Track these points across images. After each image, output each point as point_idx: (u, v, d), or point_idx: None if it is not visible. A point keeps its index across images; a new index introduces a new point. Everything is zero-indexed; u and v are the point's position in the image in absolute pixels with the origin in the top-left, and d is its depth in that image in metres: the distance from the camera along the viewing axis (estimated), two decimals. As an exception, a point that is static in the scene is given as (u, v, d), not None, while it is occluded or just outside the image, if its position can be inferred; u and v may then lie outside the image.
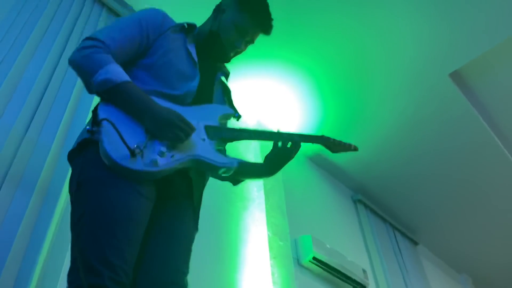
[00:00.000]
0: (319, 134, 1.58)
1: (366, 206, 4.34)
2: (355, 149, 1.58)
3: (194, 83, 1.35)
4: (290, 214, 3.17)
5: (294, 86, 3.37)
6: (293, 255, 2.98)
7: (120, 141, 1.10)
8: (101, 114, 1.15)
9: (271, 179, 3.18)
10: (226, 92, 1.55)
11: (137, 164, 1.11)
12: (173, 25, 1.44)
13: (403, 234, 4.69)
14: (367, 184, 4.32)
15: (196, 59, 1.41)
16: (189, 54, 1.40)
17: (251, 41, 1.53)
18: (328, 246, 3.22)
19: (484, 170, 4.12)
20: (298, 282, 2.81)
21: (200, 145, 1.26)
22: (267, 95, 3.45)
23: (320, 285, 3.15)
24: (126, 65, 1.32)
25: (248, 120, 3.52)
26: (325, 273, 3.18)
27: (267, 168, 1.45)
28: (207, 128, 1.31)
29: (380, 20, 2.94)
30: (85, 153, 1.17)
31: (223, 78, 1.56)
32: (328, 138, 1.54)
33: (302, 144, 1.43)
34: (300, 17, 2.93)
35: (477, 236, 4.98)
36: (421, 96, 3.45)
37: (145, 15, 1.40)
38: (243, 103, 3.50)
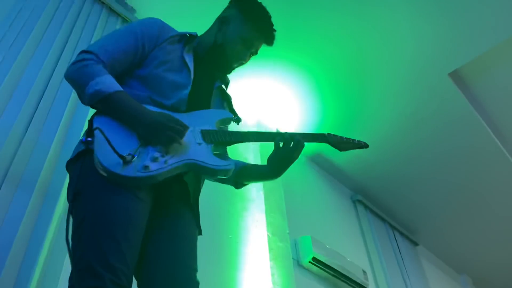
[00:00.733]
0: (319, 133, 1.56)
1: (365, 206, 4.34)
2: (366, 145, 1.57)
3: (186, 91, 1.35)
4: (290, 214, 3.17)
5: (294, 86, 3.37)
6: (292, 255, 2.98)
7: (111, 149, 1.10)
8: (94, 124, 1.17)
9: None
10: (226, 98, 1.55)
11: (129, 171, 1.10)
12: (172, 35, 1.44)
13: (403, 234, 4.69)
14: (367, 185, 4.32)
15: (192, 68, 1.41)
16: (184, 63, 1.40)
17: (255, 53, 1.54)
18: (327, 246, 3.22)
19: (483, 170, 4.13)
20: (298, 283, 2.80)
21: (195, 149, 1.24)
22: (267, 94, 3.45)
23: (320, 286, 3.15)
24: (122, 76, 1.33)
25: (248, 119, 3.53)
26: (325, 274, 3.17)
27: (271, 170, 1.42)
28: (203, 132, 1.30)
29: (380, 20, 2.94)
30: (82, 162, 1.18)
31: (222, 86, 1.56)
32: (334, 136, 1.53)
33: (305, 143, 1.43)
34: (300, 16, 2.93)
35: (477, 236, 4.98)
36: (421, 96, 3.45)
37: (142, 26, 1.40)
38: (243, 103, 3.50)
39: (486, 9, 2.85)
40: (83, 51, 1.27)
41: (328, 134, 1.53)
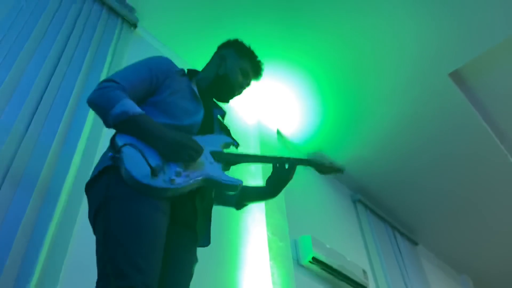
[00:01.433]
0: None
1: (365, 206, 4.34)
2: (341, 170, 1.74)
3: (199, 117, 1.50)
4: (290, 214, 3.16)
5: (294, 86, 3.37)
6: (292, 255, 2.98)
7: (140, 162, 1.23)
8: (120, 142, 1.27)
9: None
10: (224, 128, 1.71)
11: (158, 182, 1.23)
12: (177, 69, 1.60)
13: (403, 234, 4.69)
14: (367, 184, 4.32)
15: (199, 97, 1.57)
16: (193, 93, 1.56)
17: (248, 84, 1.76)
18: (327, 246, 3.22)
19: (483, 170, 4.13)
20: (297, 283, 2.80)
21: (209, 167, 1.40)
22: (267, 95, 3.45)
23: (319, 286, 3.15)
24: (138, 103, 1.44)
25: (248, 120, 3.53)
26: (325, 274, 3.17)
27: (269, 189, 1.60)
28: (212, 153, 1.45)
29: (380, 20, 2.94)
30: (107, 177, 1.27)
31: (219, 117, 1.71)
32: (317, 162, 1.69)
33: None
34: (300, 16, 2.93)
35: (477, 236, 4.97)
36: (421, 96, 3.45)
37: (153, 60, 1.57)
38: (243, 103, 3.50)
39: (486, 9, 2.85)
40: (104, 80, 1.40)
41: (312, 160, 1.70)
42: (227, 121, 1.78)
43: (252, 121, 3.55)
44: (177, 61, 3.05)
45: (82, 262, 1.80)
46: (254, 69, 1.75)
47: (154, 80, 1.49)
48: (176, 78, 1.55)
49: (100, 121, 2.26)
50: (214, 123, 1.65)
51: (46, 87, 2.04)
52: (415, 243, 4.84)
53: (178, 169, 1.29)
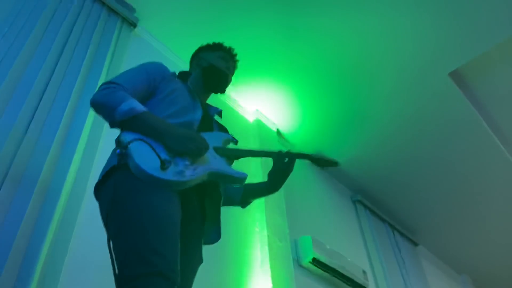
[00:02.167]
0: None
1: (365, 206, 4.34)
2: (336, 163, 1.78)
3: (198, 114, 1.55)
4: (290, 214, 3.16)
5: (294, 86, 3.37)
6: (292, 256, 2.98)
7: (148, 156, 1.25)
8: (128, 138, 1.29)
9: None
10: (222, 127, 1.75)
11: (168, 174, 1.24)
12: (171, 72, 1.66)
13: (403, 234, 4.69)
14: (367, 185, 4.32)
15: (195, 94, 1.63)
16: (189, 91, 1.62)
17: (234, 67, 1.81)
18: (328, 247, 3.21)
19: (483, 170, 4.12)
20: (297, 283, 2.80)
21: (214, 161, 1.44)
22: (267, 95, 3.45)
23: (320, 286, 3.15)
24: None
25: (248, 119, 3.53)
26: (325, 274, 3.17)
27: (271, 183, 1.64)
28: (215, 149, 1.49)
29: (380, 20, 2.94)
30: (114, 177, 1.28)
31: (216, 118, 1.76)
32: (314, 156, 1.73)
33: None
34: (300, 16, 2.93)
35: (477, 236, 4.97)
36: (420, 96, 3.45)
37: (149, 65, 1.63)
38: (243, 103, 3.50)
39: (486, 9, 2.85)
40: (105, 83, 1.44)
41: (310, 154, 1.74)
42: (225, 119, 1.81)
43: (252, 120, 3.55)
44: (177, 61, 3.07)
45: (82, 262, 1.80)
46: (229, 54, 1.79)
47: (152, 83, 1.54)
48: (171, 80, 1.61)
49: (100, 121, 2.27)
50: (213, 123, 1.69)
51: (46, 87, 2.04)
52: (415, 243, 4.84)
53: (186, 162, 1.31)
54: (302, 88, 3.38)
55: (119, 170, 1.28)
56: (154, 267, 1.06)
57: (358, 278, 3.32)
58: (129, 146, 1.26)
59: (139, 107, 1.37)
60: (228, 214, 2.75)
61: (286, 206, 3.17)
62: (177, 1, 2.90)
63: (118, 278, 1.10)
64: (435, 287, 4.64)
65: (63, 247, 1.73)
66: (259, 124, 3.53)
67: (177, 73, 1.73)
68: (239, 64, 1.83)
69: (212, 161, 1.42)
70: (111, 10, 2.72)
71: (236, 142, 1.63)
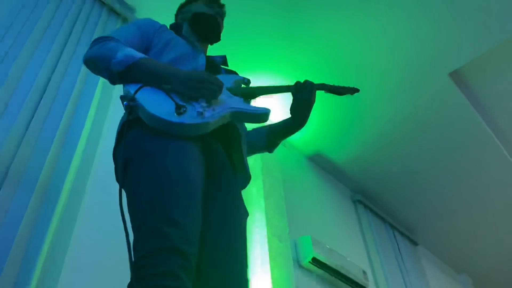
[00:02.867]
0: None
1: (365, 206, 4.34)
2: (357, 90, 1.71)
3: (201, 59, 1.45)
4: (290, 214, 3.16)
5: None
6: (292, 256, 2.98)
7: (160, 101, 1.15)
8: (132, 89, 1.18)
9: (271, 179, 3.18)
10: (230, 72, 1.65)
11: (185, 118, 1.14)
12: (161, 25, 1.57)
13: (403, 234, 4.69)
14: (367, 185, 4.32)
15: (194, 41, 1.54)
16: (186, 39, 1.53)
17: (223, 12, 1.70)
18: (327, 246, 3.21)
19: (483, 170, 4.13)
20: (297, 283, 2.80)
21: (231, 100, 1.32)
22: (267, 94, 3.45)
23: (319, 286, 3.15)
24: None
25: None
26: (325, 274, 3.17)
27: (296, 118, 1.51)
28: (229, 89, 1.39)
29: (380, 20, 2.94)
30: (125, 137, 1.18)
31: (223, 67, 1.66)
32: (333, 85, 1.66)
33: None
34: (300, 16, 2.93)
35: (477, 236, 4.98)
36: (421, 96, 3.45)
37: (140, 20, 1.56)
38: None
39: (486, 9, 2.85)
40: (97, 38, 1.34)
41: (329, 85, 1.67)
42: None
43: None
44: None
45: (82, 262, 1.80)
46: (212, 0, 1.70)
47: (145, 36, 1.46)
48: (164, 31, 1.52)
49: (100, 121, 2.26)
50: (219, 67, 1.60)
51: (46, 87, 2.04)
52: (415, 243, 4.84)
53: (203, 104, 1.21)
54: (302, 88, 3.38)
55: (131, 128, 1.18)
56: (167, 241, 0.97)
57: (358, 278, 3.32)
58: (136, 96, 1.15)
59: (136, 53, 1.26)
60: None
61: (286, 205, 3.17)
62: (177, 1, 2.89)
63: (133, 252, 1.00)
64: (435, 287, 4.64)
65: (63, 247, 1.73)
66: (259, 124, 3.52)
67: (168, 26, 1.63)
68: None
69: (229, 101, 1.31)
70: (111, 10, 2.72)
71: (248, 82, 1.52)
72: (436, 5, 2.85)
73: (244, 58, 3.08)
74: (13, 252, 1.54)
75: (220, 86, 1.26)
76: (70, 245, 1.77)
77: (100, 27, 2.57)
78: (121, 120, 1.29)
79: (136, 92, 1.15)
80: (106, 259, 1.86)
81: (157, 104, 1.15)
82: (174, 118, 1.13)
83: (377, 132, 3.76)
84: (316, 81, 1.56)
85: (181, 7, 1.74)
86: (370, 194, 4.41)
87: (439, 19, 2.93)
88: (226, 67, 1.65)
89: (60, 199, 1.80)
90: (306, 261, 3.04)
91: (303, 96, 1.48)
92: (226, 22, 1.75)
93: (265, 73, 3.28)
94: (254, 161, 3.15)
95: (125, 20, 2.79)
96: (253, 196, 3.03)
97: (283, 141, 3.76)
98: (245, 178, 1.44)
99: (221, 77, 1.41)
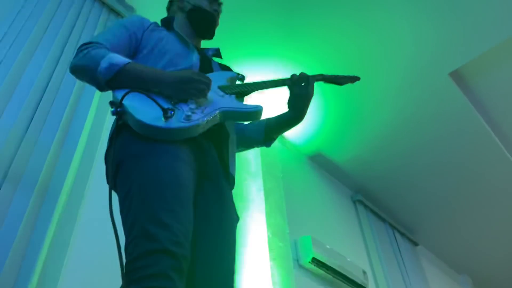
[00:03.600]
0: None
1: (366, 206, 4.34)
2: (357, 78, 1.66)
3: (194, 57, 1.42)
4: (290, 214, 3.16)
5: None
6: (292, 256, 2.98)
7: (147, 107, 1.13)
8: (119, 95, 1.16)
9: (271, 179, 3.18)
10: (224, 67, 1.63)
11: (172, 123, 1.13)
12: (151, 23, 1.53)
13: (403, 234, 4.69)
14: (367, 184, 4.32)
15: (186, 39, 1.50)
16: (178, 36, 1.49)
17: (219, 6, 1.67)
18: (328, 247, 3.21)
19: (484, 170, 4.13)
20: (297, 283, 2.80)
21: (222, 100, 1.29)
22: (266, 94, 3.44)
23: (319, 286, 3.15)
24: None
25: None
26: (325, 274, 3.17)
27: (294, 112, 1.49)
28: (221, 88, 1.36)
29: (380, 19, 2.94)
30: (115, 141, 1.19)
31: (216, 59, 1.63)
32: (332, 75, 1.60)
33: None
34: (301, 16, 2.93)
35: (477, 236, 4.98)
36: (421, 96, 3.45)
37: (126, 19, 1.52)
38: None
39: (486, 9, 2.85)
40: (83, 44, 1.30)
41: (329, 75, 1.60)
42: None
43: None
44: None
45: (82, 262, 1.80)
46: None
47: (133, 37, 1.42)
48: (153, 30, 1.48)
49: (100, 121, 2.26)
50: (212, 64, 1.56)
51: (46, 87, 2.04)
52: (415, 243, 4.84)
53: (192, 106, 1.20)
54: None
55: (120, 133, 1.18)
56: (157, 243, 0.97)
57: (358, 278, 3.32)
58: (123, 102, 1.13)
59: (120, 59, 1.23)
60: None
61: (286, 205, 3.17)
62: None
63: (125, 255, 1.01)
64: (435, 287, 4.64)
65: (63, 247, 1.73)
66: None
67: (159, 23, 1.59)
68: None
69: (220, 100, 1.28)
70: (111, 10, 2.72)
71: (243, 78, 1.49)
72: (436, 5, 2.85)
73: (244, 57, 3.08)
74: (13, 252, 1.54)
75: (207, 84, 1.24)
76: (70, 245, 1.77)
77: (100, 27, 2.57)
78: (112, 125, 1.28)
79: (122, 98, 1.14)
80: (106, 259, 1.85)
81: (144, 109, 1.14)
82: (161, 123, 1.12)
83: (377, 132, 3.76)
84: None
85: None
86: (370, 194, 4.40)
87: (439, 19, 2.93)
88: (220, 63, 1.63)
89: (60, 199, 1.80)
90: (306, 261, 3.04)
91: (300, 89, 1.45)
92: (225, 23, 1.74)
93: (265, 73, 3.27)
94: (255, 161, 3.15)
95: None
96: (253, 196, 3.03)
97: (283, 141, 3.77)
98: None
99: (214, 75, 1.40)
